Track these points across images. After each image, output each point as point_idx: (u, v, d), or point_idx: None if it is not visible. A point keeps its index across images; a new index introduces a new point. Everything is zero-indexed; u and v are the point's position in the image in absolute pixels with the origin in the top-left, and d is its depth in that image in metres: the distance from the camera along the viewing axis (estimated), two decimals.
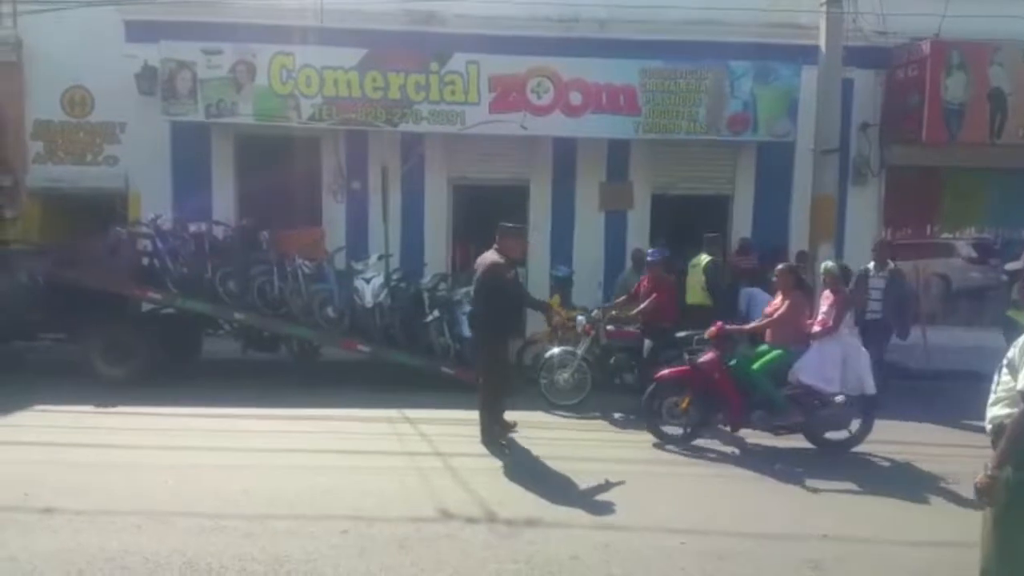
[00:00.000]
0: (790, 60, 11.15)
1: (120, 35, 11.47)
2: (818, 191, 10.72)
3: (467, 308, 8.98)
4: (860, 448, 6.86)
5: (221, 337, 10.24)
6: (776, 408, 6.77)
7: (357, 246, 11.29)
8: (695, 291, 9.32)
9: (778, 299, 7.05)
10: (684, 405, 6.91)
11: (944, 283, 12.56)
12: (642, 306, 8.48)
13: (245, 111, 11.00)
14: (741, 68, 11.07)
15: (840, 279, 7.06)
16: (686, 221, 12.00)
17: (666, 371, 7.12)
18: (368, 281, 9.33)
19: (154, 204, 11.12)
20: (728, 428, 7.05)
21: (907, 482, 6.18)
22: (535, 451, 6.71)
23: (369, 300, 9.20)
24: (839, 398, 6.67)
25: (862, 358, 6.71)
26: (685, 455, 6.79)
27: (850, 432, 6.84)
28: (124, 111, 11.77)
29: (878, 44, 11.74)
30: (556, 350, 8.55)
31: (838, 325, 6.70)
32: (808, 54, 10.97)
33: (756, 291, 9.37)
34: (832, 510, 5.50)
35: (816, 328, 6.81)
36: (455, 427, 7.31)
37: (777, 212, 12.09)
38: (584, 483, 5.84)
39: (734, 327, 7.16)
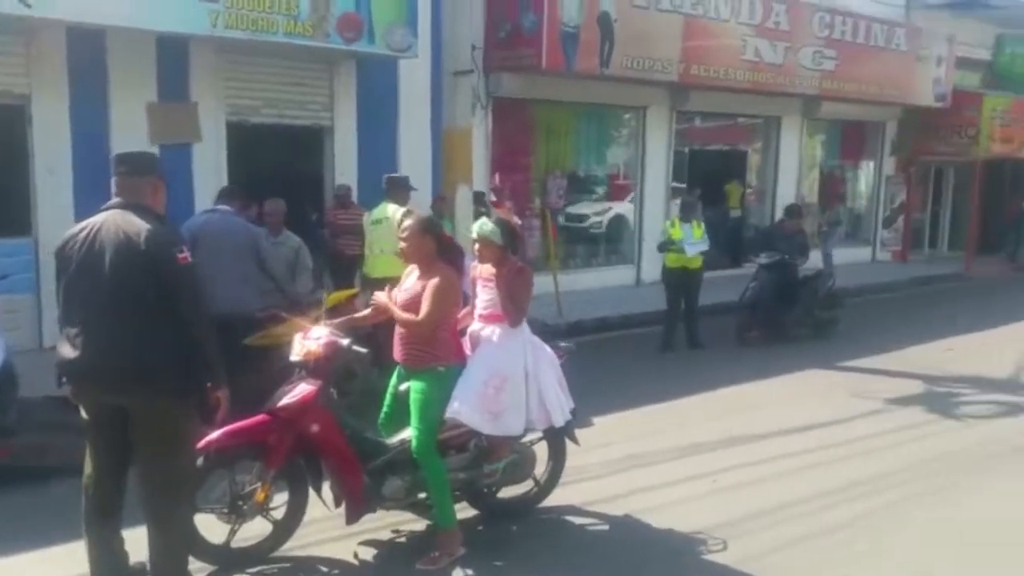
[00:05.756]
0: None
1: None
2: (451, 122, 8.76)
3: None
4: (552, 502, 4.44)
5: None
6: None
7: None
8: (385, 259, 6.36)
9: (412, 282, 3.96)
10: (262, 494, 3.70)
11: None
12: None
13: None
14: None
15: (507, 245, 4.03)
16: (276, 159, 9.01)
17: (230, 427, 3.58)
18: None
19: None
20: (344, 515, 3.88)
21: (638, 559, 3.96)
22: None
23: None
24: (526, 438, 4.18)
25: (549, 368, 4.09)
26: None
27: (536, 481, 4.38)
28: None
29: None
30: None
31: (522, 317, 4.03)
32: None
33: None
34: None
35: (477, 324, 4.10)
36: None
37: (385, 148, 9.74)
38: None
39: (340, 325, 4.00)
